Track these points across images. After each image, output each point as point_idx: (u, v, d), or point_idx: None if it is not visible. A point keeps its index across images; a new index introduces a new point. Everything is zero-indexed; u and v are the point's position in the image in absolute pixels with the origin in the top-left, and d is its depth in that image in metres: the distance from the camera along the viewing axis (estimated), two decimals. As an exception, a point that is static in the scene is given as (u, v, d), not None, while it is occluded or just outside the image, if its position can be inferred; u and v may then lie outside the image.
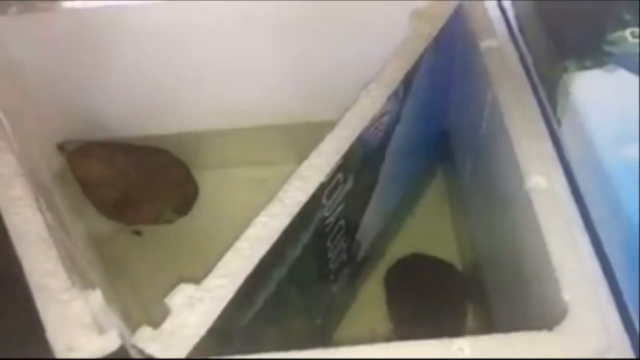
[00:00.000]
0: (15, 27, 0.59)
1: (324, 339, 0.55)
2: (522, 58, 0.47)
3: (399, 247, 0.65)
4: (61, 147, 0.69)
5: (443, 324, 0.56)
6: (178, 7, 0.60)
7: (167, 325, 0.34)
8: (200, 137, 0.71)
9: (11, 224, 0.39)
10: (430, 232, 0.66)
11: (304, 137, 0.72)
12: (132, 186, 0.66)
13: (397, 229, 0.66)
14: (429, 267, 0.63)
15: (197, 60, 0.64)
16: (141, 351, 0.33)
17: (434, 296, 0.60)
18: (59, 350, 0.33)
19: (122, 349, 0.33)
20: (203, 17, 0.61)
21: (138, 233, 0.67)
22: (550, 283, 0.35)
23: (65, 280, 0.36)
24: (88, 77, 0.66)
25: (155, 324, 0.35)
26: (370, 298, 0.61)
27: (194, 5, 0.60)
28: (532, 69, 0.46)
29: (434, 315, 0.57)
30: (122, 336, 0.34)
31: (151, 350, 0.33)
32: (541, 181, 0.38)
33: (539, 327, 0.33)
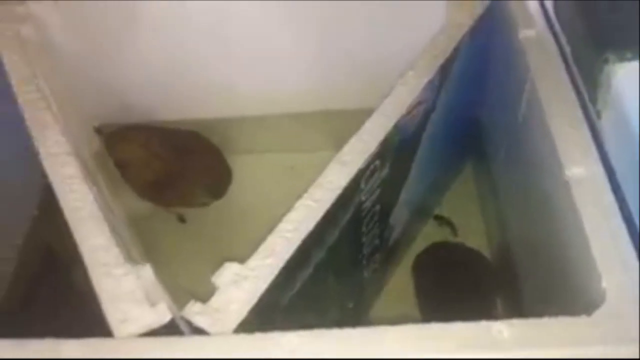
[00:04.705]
0: (59, 11, 0.61)
1: (356, 323, 0.56)
2: (560, 49, 0.47)
3: (428, 234, 0.66)
4: (98, 131, 0.71)
5: (471, 311, 0.57)
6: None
7: (215, 301, 0.36)
8: (233, 123, 0.73)
9: (65, 201, 0.41)
10: (458, 219, 0.67)
11: (333, 124, 0.73)
12: (168, 169, 0.68)
13: (427, 216, 0.67)
14: (457, 255, 0.64)
15: (233, 46, 0.66)
16: (190, 324, 0.35)
17: (462, 284, 0.60)
18: (113, 322, 0.34)
19: (173, 321, 0.35)
20: (238, 3, 0.62)
21: (182, 220, 0.68)
22: (588, 270, 0.35)
23: (117, 255, 0.38)
24: (125, 62, 0.67)
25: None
26: (400, 284, 0.62)
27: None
28: (570, 59, 0.46)
29: (462, 302, 0.58)
30: (171, 310, 0.35)
31: (201, 323, 0.34)
32: (580, 171, 0.38)
33: (574, 313, 0.34)
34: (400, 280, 0.62)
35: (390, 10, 0.61)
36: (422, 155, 0.54)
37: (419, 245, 0.64)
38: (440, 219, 0.67)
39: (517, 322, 0.33)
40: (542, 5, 0.53)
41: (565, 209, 0.39)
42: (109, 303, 0.35)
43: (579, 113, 0.42)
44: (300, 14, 0.62)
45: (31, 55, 0.54)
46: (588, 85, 0.44)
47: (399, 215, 0.57)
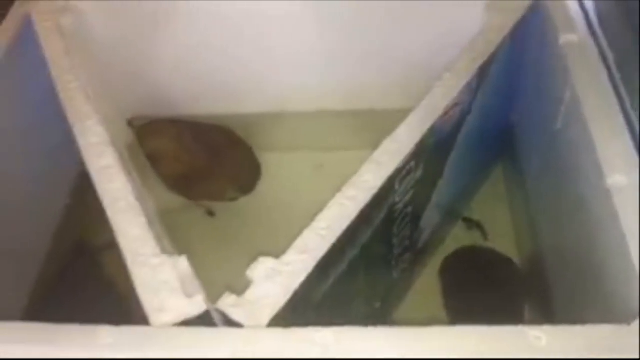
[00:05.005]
0: (98, 5, 0.62)
1: (383, 323, 0.56)
2: (602, 54, 0.46)
3: (457, 237, 0.65)
4: (130, 123, 0.72)
5: (499, 316, 0.56)
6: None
7: (250, 294, 0.36)
8: (264, 119, 0.73)
9: (103, 191, 0.42)
10: (487, 222, 0.66)
11: (363, 123, 0.73)
12: (198, 163, 0.68)
13: (456, 218, 0.66)
14: (485, 259, 0.64)
15: (265, 44, 0.66)
16: (224, 316, 0.35)
17: (490, 288, 0.60)
18: (149, 310, 0.35)
19: (207, 313, 0.35)
20: (272, 4, 0.62)
21: (211, 213, 0.69)
22: (628, 279, 0.35)
23: (154, 246, 0.38)
24: (159, 56, 0.68)
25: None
26: (427, 286, 0.61)
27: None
28: (613, 65, 0.45)
29: (489, 307, 0.57)
30: (206, 301, 0.36)
31: (235, 316, 0.35)
32: (622, 179, 0.38)
33: (609, 321, 0.33)
34: (427, 282, 0.62)
35: (426, 10, 0.60)
36: (456, 157, 0.54)
37: (448, 247, 0.64)
38: (470, 222, 0.66)
39: (554, 329, 0.32)
40: (584, 9, 0.52)
41: (605, 217, 0.38)
42: (146, 292, 0.36)
43: (621, 120, 0.42)
44: (334, 12, 0.62)
45: (70, 45, 0.55)
46: (631, 92, 0.43)
47: (430, 217, 0.56)
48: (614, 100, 0.43)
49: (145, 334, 0.34)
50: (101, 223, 0.41)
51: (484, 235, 0.65)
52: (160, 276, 0.36)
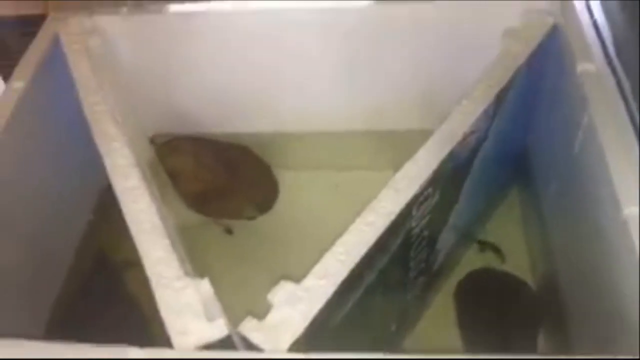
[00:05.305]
0: (124, 26, 0.64)
1: (398, 346, 0.57)
2: (619, 84, 0.47)
3: (471, 260, 0.66)
4: (152, 141, 0.73)
5: (514, 340, 0.56)
6: (269, 14, 0.62)
7: (270, 318, 0.37)
8: (282, 138, 0.74)
9: (128, 212, 0.43)
10: (502, 245, 0.66)
11: (379, 144, 0.74)
12: (217, 181, 0.70)
13: (471, 241, 0.67)
14: (500, 282, 0.64)
15: (286, 64, 0.67)
16: (245, 340, 0.36)
17: (504, 311, 0.60)
18: (172, 333, 0.36)
19: (229, 337, 0.36)
20: (292, 24, 0.63)
21: (229, 231, 0.70)
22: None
23: (177, 268, 0.39)
24: (180, 76, 0.70)
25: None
26: (442, 309, 0.62)
27: (285, 14, 0.62)
28: (630, 95, 0.46)
29: (504, 332, 0.57)
30: (227, 325, 0.37)
31: (256, 340, 0.35)
32: (638, 210, 0.38)
33: (624, 350, 0.33)
34: (442, 304, 0.62)
35: (443, 35, 0.61)
36: (472, 182, 0.55)
37: (462, 270, 0.64)
38: (484, 244, 0.67)
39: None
40: (600, 37, 0.53)
41: (621, 247, 0.39)
42: (169, 315, 0.37)
43: (638, 151, 0.42)
44: (354, 34, 0.63)
45: (97, 66, 0.57)
46: (648, 122, 0.44)
47: (445, 240, 0.57)
48: (630, 130, 0.44)
49: (170, 356, 0.35)
50: (122, 239, 0.43)
51: (501, 257, 0.65)
52: (183, 299, 0.37)
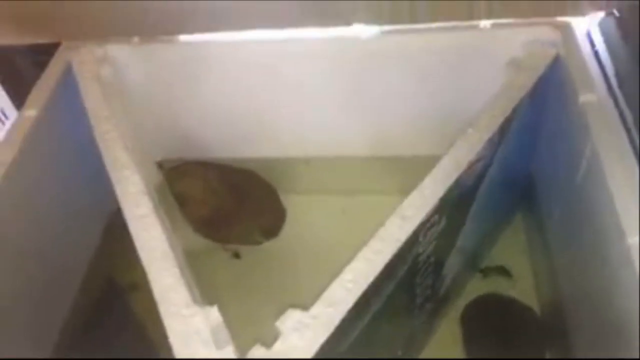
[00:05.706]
0: (135, 55, 0.65)
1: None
2: (621, 115, 0.48)
3: (477, 286, 0.66)
4: (160, 165, 0.74)
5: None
6: (274, 44, 0.64)
7: (279, 346, 0.37)
8: (288, 163, 0.75)
9: (138, 239, 0.43)
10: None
11: (385, 170, 0.75)
12: (224, 205, 0.70)
13: (476, 266, 0.67)
14: (505, 308, 0.64)
15: (290, 92, 0.68)
16: (254, 368, 0.36)
17: (510, 337, 0.60)
18: (182, 361, 0.36)
19: (237, 364, 0.36)
20: (298, 51, 0.65)
21: (237, 256, 0.70)
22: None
23: (186, 296, 0.40)
24: (188, 102, 0.71)
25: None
26: (448, 334, 0.62)
27: (291, 43, 0.64)
28: (632, 126, 0.47)
29: (510, 356, 0.58)
30: (236, 352, 0.37)
31: (265, 369, 0.36)
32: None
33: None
34: (449, 330, 0.62)
35: (450, 64, 0.63)
36: (477, 208, 0.55)
37: (468, 295, 0.64)
38: (489, 271, 0.67)
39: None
40: (602, 68, 0.54)
41: (626, 275, 0.39)
42: (178, 342, 0.37)
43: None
44: (362, 60, 0.65)
45: (108, 93, 0.58)
46: (651, 153, 0.44)
47: (451, 266, 0.57)
48: (633, 160, 0.44)
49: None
50: (131, 262, 0.43)
51: (510, 280, 0.65)
52: (191, 326, 0.38)
